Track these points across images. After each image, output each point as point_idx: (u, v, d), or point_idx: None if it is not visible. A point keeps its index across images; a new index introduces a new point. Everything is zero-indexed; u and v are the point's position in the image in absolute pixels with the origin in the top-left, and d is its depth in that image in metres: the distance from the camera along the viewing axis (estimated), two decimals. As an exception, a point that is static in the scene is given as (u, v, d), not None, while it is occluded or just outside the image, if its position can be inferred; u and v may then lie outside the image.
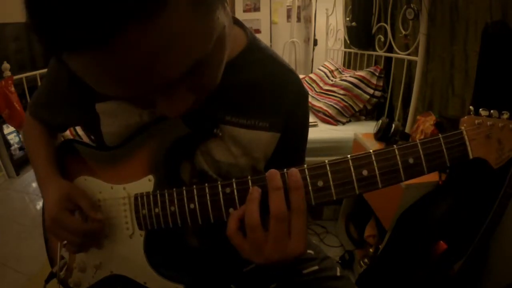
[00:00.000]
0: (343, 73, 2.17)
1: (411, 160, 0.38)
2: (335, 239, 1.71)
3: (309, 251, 0.68)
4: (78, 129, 1.51)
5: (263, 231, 0.39)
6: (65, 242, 0.51)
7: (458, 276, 0.96)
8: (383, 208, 1.25)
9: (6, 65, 2.08)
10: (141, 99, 0.37)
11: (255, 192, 0.40)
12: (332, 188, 0.39)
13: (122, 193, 0.52)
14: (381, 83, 1.85)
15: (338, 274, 0.64)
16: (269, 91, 0.53)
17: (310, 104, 2.08)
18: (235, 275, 0.66)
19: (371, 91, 1.83)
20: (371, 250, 1.38)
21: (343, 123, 1.88)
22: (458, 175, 1.04)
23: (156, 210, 0.48)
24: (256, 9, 3.83)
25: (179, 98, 0.36)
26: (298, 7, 3.50)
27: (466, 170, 1.02)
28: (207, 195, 0.44)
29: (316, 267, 0.64)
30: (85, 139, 0.66)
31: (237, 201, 0.43)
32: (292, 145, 0.58)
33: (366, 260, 1.40)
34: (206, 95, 0.40)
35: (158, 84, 0.32)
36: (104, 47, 0.27)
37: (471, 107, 0.40)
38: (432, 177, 1.09)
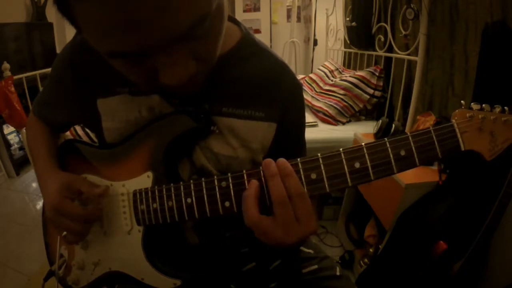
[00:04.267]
0: (343, 73, 2.18)
1: (402, 153, 0.39)
2: (335, 239, 1.71)
3: (308, 250, 0.68)
4: (78, 129, 1.51)
5: (269, 220, 0.40)
6: (64, 233, 0.51)
7: (458, 276, 0.96)
8: (383, 208, 1.25)
9: (6, 65, 2.08)
10: (144, 65, 0.38)
11: (250, 188, 0.41)
12: (325, 180, 0.40)
13: (121, 189, 0.53)
14: (381, 83, 1.85)
15: (338, 273, 0.64)
16: (263, 83, 0.54)
17: (310, 104, 2.08)
18: (234, 274, 0.66)
19: (371, 91, 1.83)
20: (371, 250, 1.38)
21: (343, 123, 1.88)
22: (458, 175, 1.04)
23: (154, 205, 0.49)
24: (256, 9, 3.83)
25: (181, 63, 0.37)
26: (298, 7, 3.51)
27: (465, 170, 1.02)
28: (204, 189, 0.45)
29: (315, 267, 0.64)
30: (85, 139, 0.67)
31: (232, 194, 0.43)
32: (290, 137, 0.60)
33: (366, 260, 1.40)
34: (206, 69, 0.42)
35: (166, 34, 0.33)
36: None
37: (462, 101, 0.40)
38: (432, 177, 1.09)
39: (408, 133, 0.39)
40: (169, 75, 0.38)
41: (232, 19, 0.56)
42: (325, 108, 1.92)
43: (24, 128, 2.10)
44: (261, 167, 0.42)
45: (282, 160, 0.41)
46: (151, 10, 0.31)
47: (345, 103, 1.87)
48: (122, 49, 0.34)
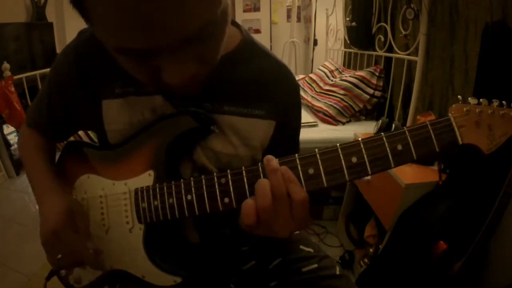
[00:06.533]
0: (343, 73, 2.18)
1: (399, 147, 0.39)
2: (335, 239, 1.71)
3: (308, 249, 0.68)
4: (78, 129, 1.51)
5: (274, 211, 0.40)
6: (59, 256, 0.52)
7: (458, 276, 0.96)
8: (383, 208, 1.25)
9: (6, 65, 2.08)
10: (148, 63, 0.39)
11: (264, 181, 0.41)
12: (323, 175, 0.41)
13: (123, 188, 0.53)
14: (381, 83, 1.85)
15: (338, 272, 0.64)
16: (264, 83, 0.56)
17: (310, 104, 2.08)
18: (234, 273, 0.66)
19: (371, 91, 1.84)
20: (371, 250, 1.38)
21: (343, 123, 1.88)
22: (458, 175, 1.04)
23: (155, 203, 0.49)
24: (256, 9, 3.84)
25: (185, 64, 0.39)
26: (298, 7, 3.51)
27: (465, 170, 1.02)
28: (204, 186, 0.46)
29: (315, 266, 0.64)
30: (85, 139, 0.67)
31: (231, 191, 0.44)
32: (286, 135, 0.61)
33: (366, 260, 1.40)
34: (207, 71, 0.43)
35: (176, 35, 0.35)
36: None
37: (459, 96, 0.40)
38: (432, 177, 1.09)
39: (405, 128, 0.39)
40: (172, 75, 0.39)
41: (233, 22, 0.57)
42: (325, 108, 1.92)
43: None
44: (260, 164, 0.43)
45: (284, 167, 0.41)
46: (166, 11, 0.32)
47: (345, 103, 1.87)
48: (131, 45, 0.36)
